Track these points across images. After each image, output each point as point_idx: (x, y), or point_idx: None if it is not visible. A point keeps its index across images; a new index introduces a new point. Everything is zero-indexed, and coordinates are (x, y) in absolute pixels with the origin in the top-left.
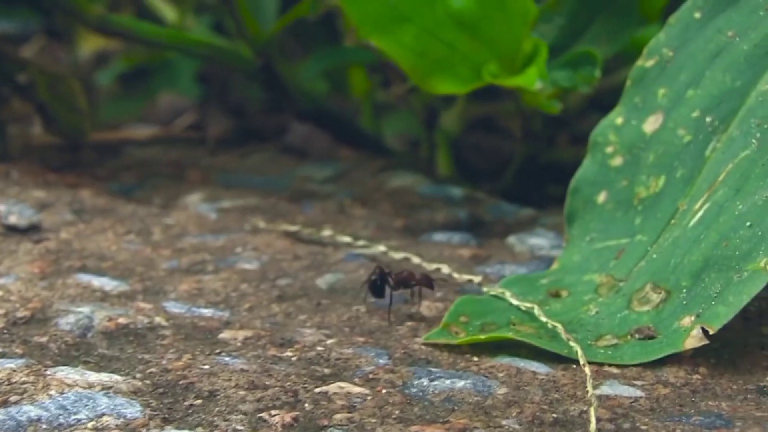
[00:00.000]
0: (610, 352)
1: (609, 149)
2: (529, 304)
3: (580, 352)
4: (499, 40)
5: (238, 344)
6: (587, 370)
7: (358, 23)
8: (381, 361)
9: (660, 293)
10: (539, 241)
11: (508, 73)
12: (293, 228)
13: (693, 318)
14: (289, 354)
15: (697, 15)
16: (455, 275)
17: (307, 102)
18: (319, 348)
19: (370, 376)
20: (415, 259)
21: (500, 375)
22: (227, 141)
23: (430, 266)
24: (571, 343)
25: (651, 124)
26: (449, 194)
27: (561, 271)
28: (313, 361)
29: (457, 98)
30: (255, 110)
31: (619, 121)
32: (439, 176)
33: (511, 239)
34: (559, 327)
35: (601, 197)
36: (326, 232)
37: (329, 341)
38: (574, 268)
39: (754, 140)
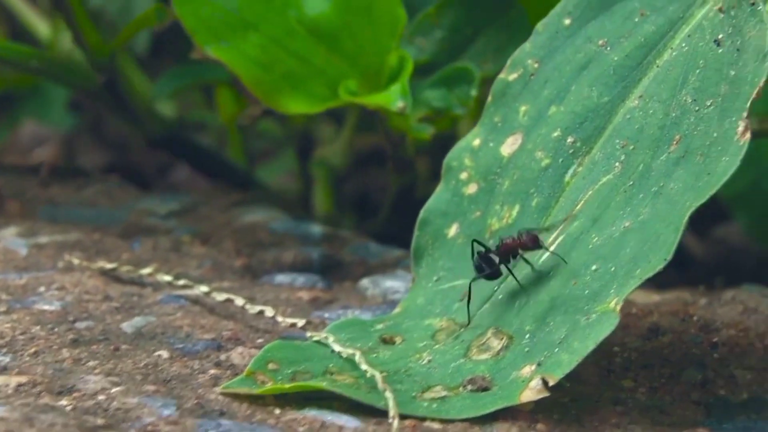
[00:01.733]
0: (435, 406)
1: (463, 175)
2: (351, 351)
3: (391, 404)
4: (362, 53)
5: (9, 391)
6: (396, 423)
7: (193, 30)
8: (166, 411)
9: (502, 339)
10: (395, 283)
11: (371, 90)
12: (110, 266)
13: (533, 367)
14: (64, 403)
15: (567, 21)
16: (279, 319)
17: (158, 127)
18: (101, 397)
19: (149, 428)
20: (239, 301)
21: (300, 429)
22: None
23: (253, 309)
24: (387, 394)
25: (509, 146)
26: (307, 232)
27: (402, 315)
28: (88, 411)
29: (342, 125)
30: (137, 145)
31: (476, 143)
32: (318, 215)
33: (365, 282)
34: (378, 376)
35: (452, 230)
36: (146, 271)
37: (114, 390)
38: (416, 311)
39: (617, 163)
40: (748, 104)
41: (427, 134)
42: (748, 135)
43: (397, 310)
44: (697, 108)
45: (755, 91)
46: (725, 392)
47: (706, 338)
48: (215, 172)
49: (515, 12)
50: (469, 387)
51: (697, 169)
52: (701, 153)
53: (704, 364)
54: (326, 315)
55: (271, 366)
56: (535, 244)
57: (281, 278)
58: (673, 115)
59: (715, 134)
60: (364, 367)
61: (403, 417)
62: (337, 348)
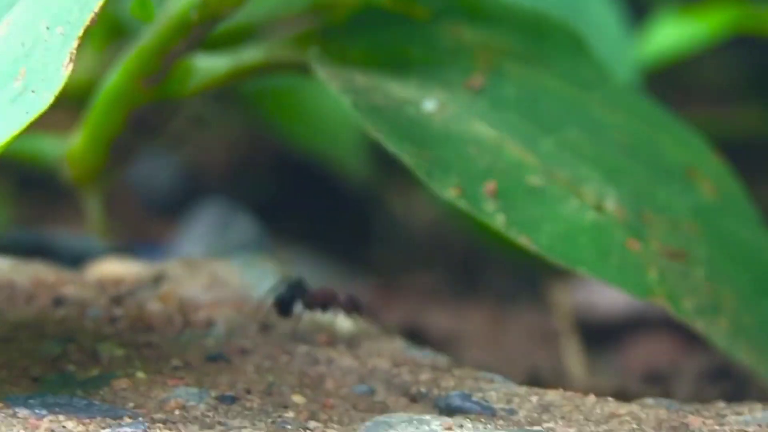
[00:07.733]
0: None
1: None
2: None
3: None
4: None
5: None
6: None
7: None
8: None
9: None
10: None
11: None
12: None
13: None
14: None
15: None
16: None
17: None
18: None
19: None
20: None
21: None
22: None
23: None
24: None
25: None
26: None
27: None
28: None
29: None
30: None
31: None
32: None
33: None
34: None
35: None
36: None
37: None
38: None
39: None
40: (81, 31)
41: None
42: (70, 67)
43: None
44: (48, 37)
45: (89, 17)
46: (75, 368)
47: (110, 311)
48: None
49: None
50: None
51: (21, 107)
52: (34, 89)
53: (74, 339)
54: None
55: None
56: (357, 306)
57: None
58: (28, 46)
59: (52, 66)
60: None
61: None
62: None
